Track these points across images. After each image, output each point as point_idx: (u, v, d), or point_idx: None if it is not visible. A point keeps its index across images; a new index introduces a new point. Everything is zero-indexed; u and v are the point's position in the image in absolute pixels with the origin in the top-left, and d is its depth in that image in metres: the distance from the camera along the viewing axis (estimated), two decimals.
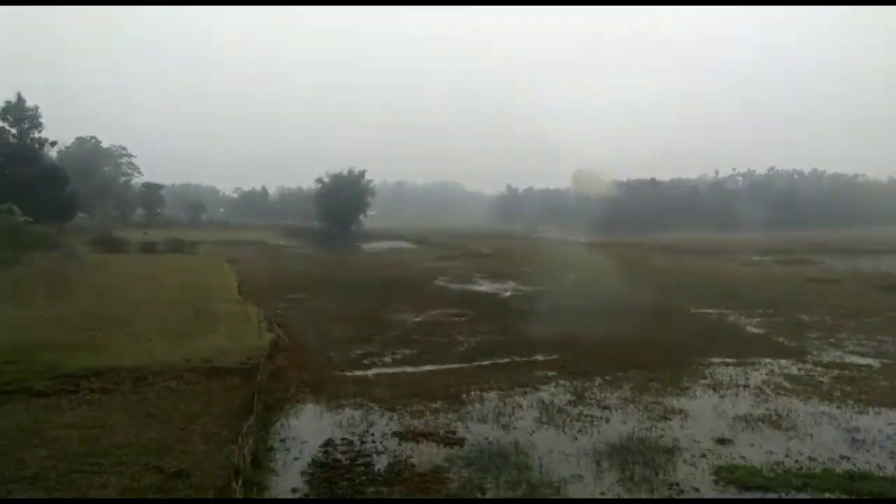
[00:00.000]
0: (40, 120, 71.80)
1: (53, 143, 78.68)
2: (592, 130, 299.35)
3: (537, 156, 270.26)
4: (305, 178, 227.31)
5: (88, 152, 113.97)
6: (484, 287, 44.41)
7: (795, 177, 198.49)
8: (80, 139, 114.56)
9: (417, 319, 30.81)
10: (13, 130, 70.91)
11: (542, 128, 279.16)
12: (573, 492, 11.60)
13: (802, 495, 11.47)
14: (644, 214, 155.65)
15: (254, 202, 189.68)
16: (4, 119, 69.78)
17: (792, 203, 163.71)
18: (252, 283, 39.83)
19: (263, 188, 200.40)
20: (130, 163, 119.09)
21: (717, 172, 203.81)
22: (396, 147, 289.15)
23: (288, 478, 12.47)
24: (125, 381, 17.80)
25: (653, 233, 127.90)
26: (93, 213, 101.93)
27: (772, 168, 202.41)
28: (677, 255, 76.06)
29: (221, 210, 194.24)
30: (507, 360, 22.23)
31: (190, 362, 19.10)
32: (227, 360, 19.38)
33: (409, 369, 21.10)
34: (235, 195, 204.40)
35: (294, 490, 11.89)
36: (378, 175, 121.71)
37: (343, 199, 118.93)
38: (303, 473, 12.69)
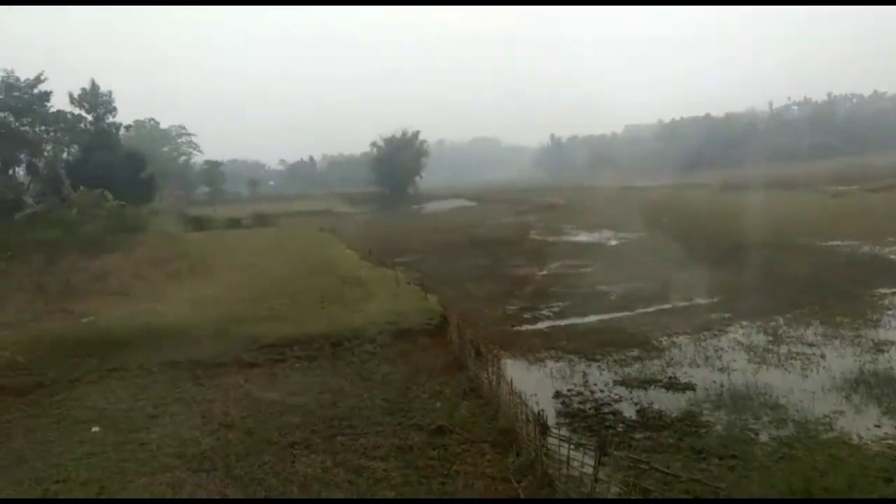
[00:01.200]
0: (114, 105, 73.27)
1: (128, 128, 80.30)
2: (635, 68, 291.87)
3: (580, 102, 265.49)
4: (346, 144, 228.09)
5: (147, 135, 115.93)
6: (583, 237, 44.33)
7: (854, 101, 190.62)
8: (137, 122, 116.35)
9: (543, 273, 31.05)
10: (89, 117, 72.51)
11: (584, 71, 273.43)
12: (843, 425, 11.70)
13: None
14: (700, 153, 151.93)
15: (302, 173, 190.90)
16: (81, 106, 71.33)
17: (854, 128, 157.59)
18: (357, 249, 40.36)
19: (311, 158, 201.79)
20: (190, 141, 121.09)
21: (771, 104, 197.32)
22: (430, 105, 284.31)
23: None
24: (324, 348, 18.50)
25: (714, 170, 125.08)
26: (159, 194, 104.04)
27: (830, 93, 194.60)
28: (754, 191, 74.30)
29: (271, 183, 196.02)
30: (667, 305, 22.34)
31: (376, 325, 19.67)
32: (409, 321, 19.91)
33: (578, 320, 21.36)
34: (281, 167, 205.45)
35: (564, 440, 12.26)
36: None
37: (399, 161, 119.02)
38: (558, 425, 13.03)
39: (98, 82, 72.19)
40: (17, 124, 64.20)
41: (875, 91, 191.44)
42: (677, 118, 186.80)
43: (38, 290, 24.82)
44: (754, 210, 50.98)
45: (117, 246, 39.23)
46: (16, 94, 63.15)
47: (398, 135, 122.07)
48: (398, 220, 74.49)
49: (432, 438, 12.68)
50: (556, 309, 23.16)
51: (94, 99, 72.43)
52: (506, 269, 32.70)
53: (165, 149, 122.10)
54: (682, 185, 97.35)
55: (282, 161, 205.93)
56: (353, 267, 31.24)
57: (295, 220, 68.86)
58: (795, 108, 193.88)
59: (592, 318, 21.47)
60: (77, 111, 72.17)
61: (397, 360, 17.64)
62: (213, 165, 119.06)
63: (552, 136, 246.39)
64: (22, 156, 67.45)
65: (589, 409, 13.70)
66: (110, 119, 74.74)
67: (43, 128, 68.18)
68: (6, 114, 63.53)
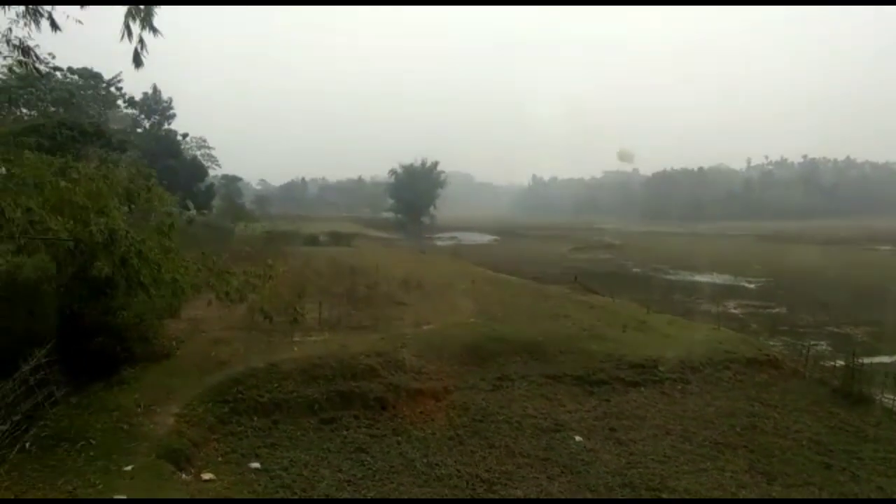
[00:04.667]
0: (173, 112, 72.02)
1: (185, 136, 78.84)
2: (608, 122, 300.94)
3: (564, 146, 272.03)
4: (328, 171, 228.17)
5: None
6: (703, 278, 45.49)
7: (830, 164, 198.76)
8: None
9: (736, 311, 31.89)
10: (147, 122, 71.17)
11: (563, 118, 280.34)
12: None
13: None
14: (693, 203, 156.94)
15: (294, 194, 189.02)
16: (141, 110, 69.84)
17: (839, 191, 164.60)
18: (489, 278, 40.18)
19: (303, 180, 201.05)
20: (209, 155, 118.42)
21: (749, 161, 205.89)
22: (404, 138, 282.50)
23: None
24: (685, 371, 18.74)
25: (716, 222, 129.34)
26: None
27: (805, 156, 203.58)
28: (791, 244, 77.60)
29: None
30: None
31: (715, 352, 19.97)
32: (742, 351, 20.29)
33: (878, 359, 22.13)
34: (259, 187, 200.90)
35: None
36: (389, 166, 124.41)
37: (417, 190, 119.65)
38: None
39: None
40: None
41: (848, 157, 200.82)
42: (667, 168, 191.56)
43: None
44: (848, 262, 53.20)
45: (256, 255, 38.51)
46: (103, 93, 61.27)
47: (417, 163, 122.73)
48: (451, 248, 74.35)
49: None
50: (829, 348, 23.88)
51: (157, 105, 71.20)
52: (686, 304, 33.31)
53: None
54: (700, 233, 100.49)
55: (261, 181, 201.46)
56: (554, 290, 31.45)
57: (366, 242, 68.40)
58: (771, 167, 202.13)
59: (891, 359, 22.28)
60: (136, 114, 70.75)
61: (770, 387, 18.09)
62: (231, 180, 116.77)
63: (534, 177, 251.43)
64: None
65: None
66: (167, 125, 73.40)
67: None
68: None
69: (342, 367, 16.32)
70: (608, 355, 19.16)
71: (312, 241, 60.13)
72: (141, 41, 12.01)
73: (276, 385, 15.38)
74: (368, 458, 13.27)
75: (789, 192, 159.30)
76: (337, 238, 63.69)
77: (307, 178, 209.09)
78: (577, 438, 14.48)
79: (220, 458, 12.77)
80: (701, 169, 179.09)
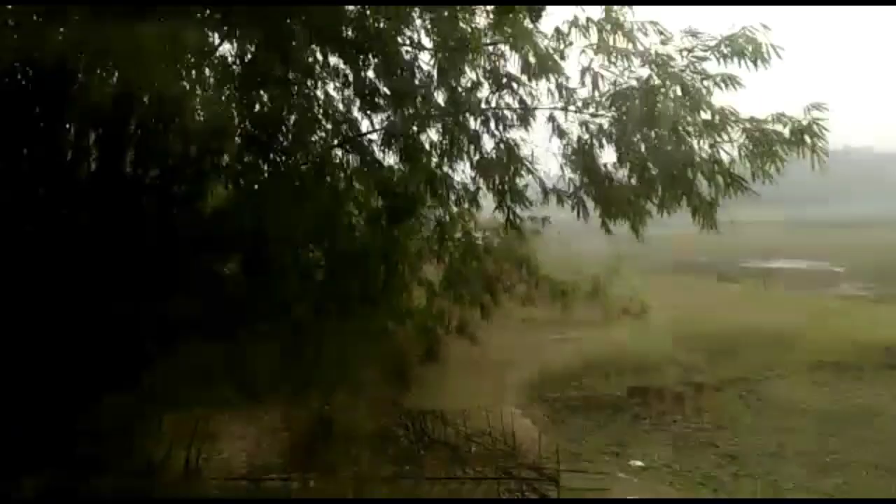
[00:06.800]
0: None
1: None
2: None
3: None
4: None
5: None
6: (802, 265, 45.09)
7: (851, 154, 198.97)
8: None
9: None
10: None
11: None
12: None
13: None
14: None
15: None
16: None
17: (837, 179, 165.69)
18: None
19: None
20: None
21: None
22: None
23: None
24: None
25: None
26: None
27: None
28: (835, 229, 77.46)
29: None
30: None
31: None
32: None
33: None
34: None
35: None
36: None
37: None
38: None
39: None
40: None
41: (846, 146, 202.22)
42: None
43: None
44: None
45: None
46: None
47: None
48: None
49: None
50: None
51: None
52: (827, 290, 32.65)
53: None
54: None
55: None
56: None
57: None
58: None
59: None
60: None
61: None
62: None
63: None
64: None
65: None
66: None
67: None
68: None
69: (627, 362, 16.04)
70: (865, 342, 18.55)
71: None
72: None
73: (574, 383, 15.07)
74: (721, 451, 12.86)
75: (804, 178, 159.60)
76: None
77: None
78: None
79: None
80: None
